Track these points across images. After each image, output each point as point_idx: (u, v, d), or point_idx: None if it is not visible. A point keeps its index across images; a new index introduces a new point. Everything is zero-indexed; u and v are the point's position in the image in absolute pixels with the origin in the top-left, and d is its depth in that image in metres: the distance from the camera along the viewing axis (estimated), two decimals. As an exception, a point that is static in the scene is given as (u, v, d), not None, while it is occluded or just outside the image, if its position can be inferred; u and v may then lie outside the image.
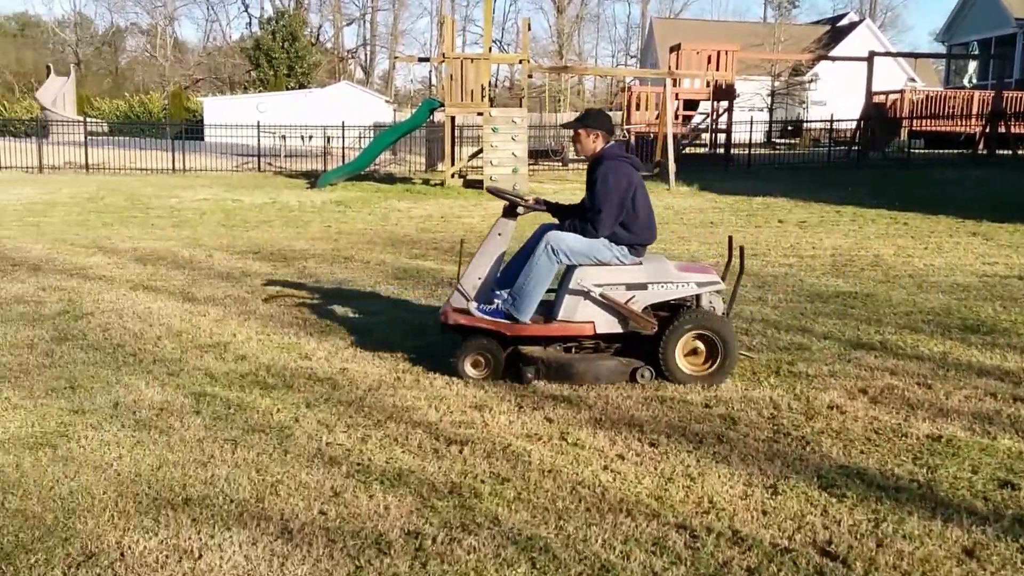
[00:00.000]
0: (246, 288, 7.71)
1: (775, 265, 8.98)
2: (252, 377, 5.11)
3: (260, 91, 45.02)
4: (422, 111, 19.82)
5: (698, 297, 5.21)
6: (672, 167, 18.75)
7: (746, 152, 24.28)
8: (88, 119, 30.07)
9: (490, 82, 20.13)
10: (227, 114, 31.58)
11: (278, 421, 4.40)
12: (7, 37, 61.84)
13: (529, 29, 20.89)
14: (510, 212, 5.30)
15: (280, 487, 3.63)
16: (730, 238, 5.79)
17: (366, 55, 69.98)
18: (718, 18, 65.64)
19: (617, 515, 3.41)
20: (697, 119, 28.53)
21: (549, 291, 5.21)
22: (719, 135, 25.79)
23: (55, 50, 64.29)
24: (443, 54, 18.99)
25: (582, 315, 5.11)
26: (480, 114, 18.50)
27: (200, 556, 3.07)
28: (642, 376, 5.05)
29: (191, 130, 31.43)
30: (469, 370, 5.12)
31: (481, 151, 18.81)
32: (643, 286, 5.10)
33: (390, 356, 5.57)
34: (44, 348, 5.73)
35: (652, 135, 23.48)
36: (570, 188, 18.13)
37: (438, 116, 21.18)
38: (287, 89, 44.91)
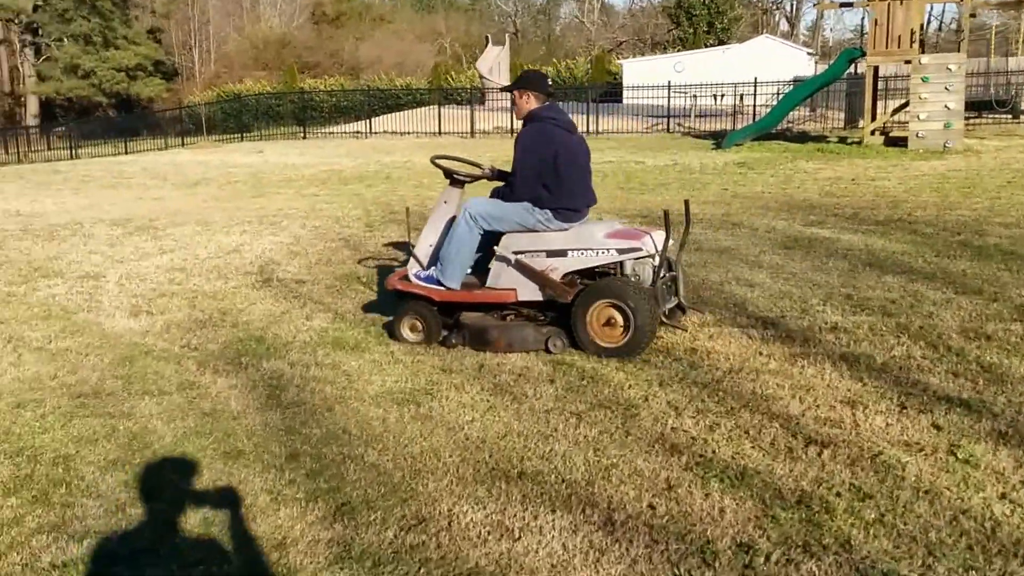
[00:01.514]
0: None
1: None
2: (613, 348, 4.96)
3: (678, 50, 45.06)
4: (840, 62, 18.39)
5: (621, 265, 4.90)
6: None
7: None
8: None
9: (922, 25, 17.98)
10: (645, 75, 31.90)
11: (627, 398, 4.21)
12: (459, 11, 68.62)
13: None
14: (456, 182, 5.25)
15: (613, 471, 3.44)
16: (686, 201, 5.31)
17: (791, 5, 66.92)
18: None
19: (1009, 560, 2.74)
20: None
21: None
22: None
23: (498, 22, 69.86)
24: (868, -3, 17.34)
25: (505, 282, 5.01)
26: (908, 62, 16.67)
27: (519, 537, 2.98)
28: (554, 345, 4.86)
29: (611, 93, 32.13)
30: (406, 333, 5.21)
31: (907, 104, 16.99)
32: (563, 253, 4.90)
33: (759, 335, 5.09)
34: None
35: None
36: (1018, 144, 15.75)
37: (862, 67, 19.49)
38: (705, 47, 44.42)
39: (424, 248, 5.33)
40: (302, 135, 27.75)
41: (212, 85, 50.79)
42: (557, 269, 4.92)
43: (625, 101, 27.75)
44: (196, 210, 11.40)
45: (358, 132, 26.71)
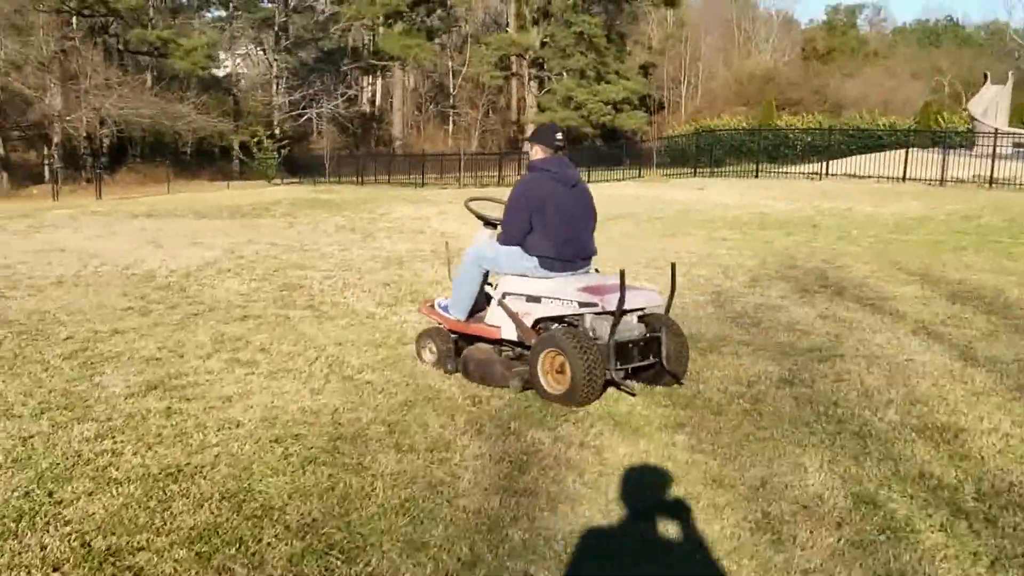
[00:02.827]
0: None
1: None
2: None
3: None
4: None
5: (583, 317, 5.02)
6: None
7: None
8: (1018, 131, 27.91)
9: None
10: None
11: None
12: (970, 47, 61.98)
13: None
14: (488, 224, 5.64)
15: None
16: (672, 265, 5.43)
17: None
18: None
19: None
20: None
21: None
22: None
23: (1013, 60, 61.86)
24: None
25: (492, 319, 5.36)
26: None
27: None
28: (512, 384, 5.09)
29: None
30: (424, 355, 5.67)
31: None
32: (537, 299, 5.14)
33: None
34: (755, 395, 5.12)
35: None
36: None
37: None
38: None
39: None
40: (754, 174, 26.86)
41: (693, 119, 51.94)
42: (530, 314, 5.16)
43: None
44: (599, 244, 11.34)
45: (813, 174, 25.12)
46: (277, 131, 41.24)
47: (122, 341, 6.21)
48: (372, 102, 52.44)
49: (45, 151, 36.84)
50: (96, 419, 4.59)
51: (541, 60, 44.63)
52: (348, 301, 7.79)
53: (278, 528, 3.41)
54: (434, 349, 5.59)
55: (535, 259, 5.17)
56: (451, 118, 49.86)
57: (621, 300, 4.78)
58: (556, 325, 5.12)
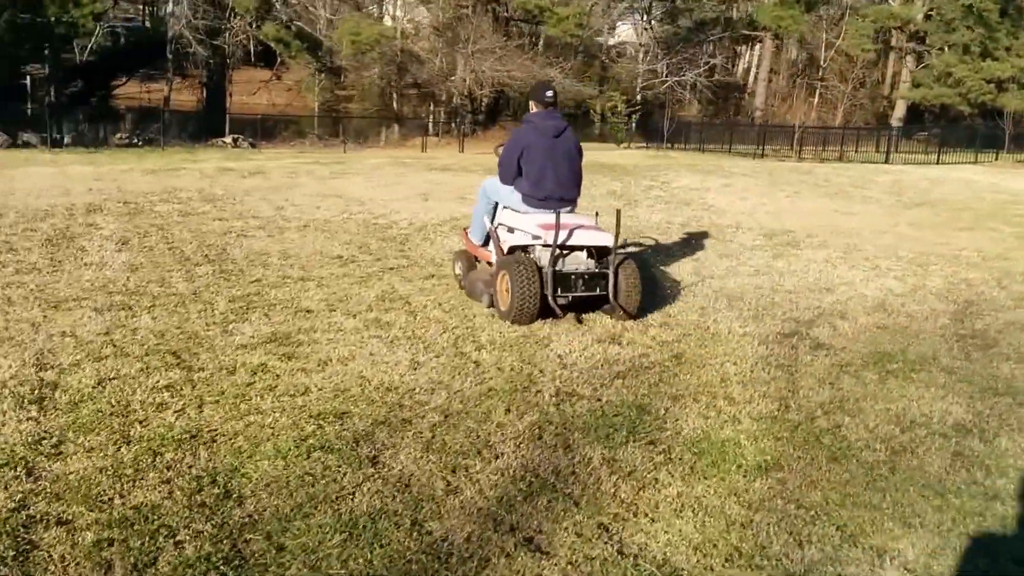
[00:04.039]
0: None
1: None
2: None
3: None
4: None
5: (534, 248, 5.66)
6: None
7: None
8: None
9: None
10: None
11: None
12: None
13: None
14: None
15: None
16: (618, 211, 5.81)
17: None
18: None
19: None
20: None
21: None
22: None
23: None
24: None
25: (490, 246, 6.07)
26: None
27: None
28: (483, 300, 5.79)
29: None
30: (456, 268, 6.46)
31: None
32: (512, 231, 5.83)
33: None
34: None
35: None
36: None
37: None
38: None
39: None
40: None
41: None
42: (506, 242, 5.80)
43: None
44: (873, 233, 9.52)
45: None
46: (639, 97, 40.99)
47: (296, 290, 6.18)
48: (736, 72, 50.15)
49: (431, 107, 39.99)
50: (187, 367, 4.52)
51: (922, 34, 39.41)
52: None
53: (207, 526, 2.98)
54: (458, 268, 6.43)
55: (518, 196, 5.89)
56: (818, 91, 46.08)
57: (555, 236, 5.43)
58: (518, 253, 5.73)
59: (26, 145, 25.83)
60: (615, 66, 44.48)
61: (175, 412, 3.93)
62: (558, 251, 5.50)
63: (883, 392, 4.60)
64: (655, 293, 6.51)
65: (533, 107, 6.00)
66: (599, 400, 4.34)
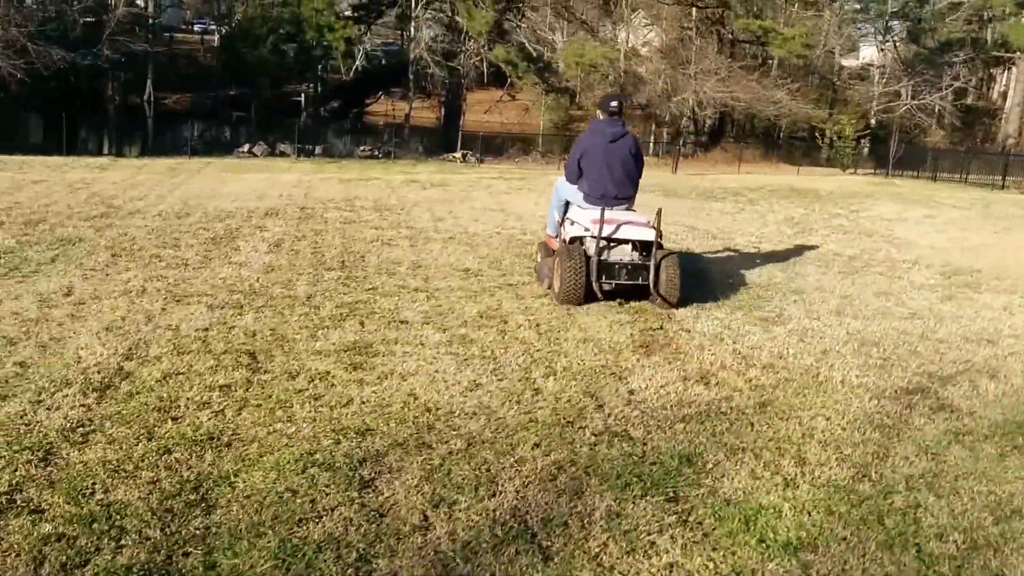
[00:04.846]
0: None
1: None
2: None
3: None
4: None
5: (585, 239, 6.20)
6: None
7: None
8: None
9: None
10: None
11: None
12: None
13: None
14: None
15: None
16: (659, 209, 6.43)
17: None
18: None
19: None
20: None
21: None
22: None
23: None
24: None
25: (560, 236, 6.67)
26: None
27: None
28: (544, 282, 6.51)
29: None
30: (538, 256, 6.87)
31: None
32: (572, 223, 6.44)
33: None
34: None
35: None
36: None
37: None
38: None
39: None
40: None
41: None
42: (567, 234, 6.50)
43: None
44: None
45: None
46: (872, 121, 38.07)
47: (405, 300, 6.12)
48: (992, 96, 45.15)
49: (653, 127, 39.36)
50: (255, 368, 4.54)
51: None
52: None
53: (159, 533, 2.90)
54: (538, 257, 6.87)
55: (581, 194, 6.47)
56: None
57: (599, 228, 6.04)
58: (574, 243, 6.32)
59: (281, 155, 28.23)
60: (849, 88, 41.58)
61: (213, 412, 3.93)
62: (604, 243, 6.12)
63: (995, 471, 3.73)
64: (773, 331, 5.80)
65: (598, 115, 6.63)
66: (644, 444, 3.84)
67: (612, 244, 6.17)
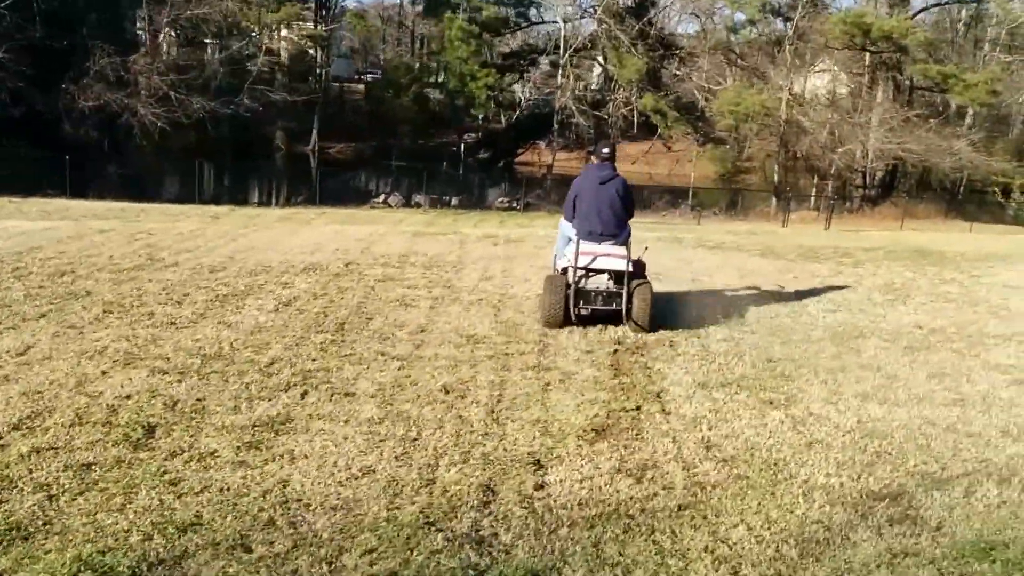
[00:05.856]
0: None
1: None
2: None
3: None
4: None
5: (568, 269, 6.99)
6: None
7: None
8: None
9: None
10: None
11: None
12: None
13: None
14: None
15: None
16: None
17: None
18: None
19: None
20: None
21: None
22: None
23: None
24: None
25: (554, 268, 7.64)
26: None
27: None
28: (540, 308, 7.25)
29: None
30: (543, 288, 7.27)
31: None
32: (564, 256, 7.25)
33: None
34: None
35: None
36: None
37: None
38: None
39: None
40: None
41: None
42: (559, 265, 7.39)
43: None
44: None
45: None
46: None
47: (371, 370, 5.73)
48: None
49: (815, 179, 37.41)
50: (143, 446, 4.33)
51: None
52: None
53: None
54: (544, 287, 7.23)
55: (575, 230, 7.14)
56: None
57: (575, 259, 6.91)
58: (559, 274, 7.21)
59: (416, 206, 28.89)
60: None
61: (47, 496, 3.71)
62: (582, 272, 6.98)
63: None
64: (767, 417, 4.99)
65: (592, 160, 7.57)
66: (500, 554, 3.33)
67: (590, 273, 7.00)
